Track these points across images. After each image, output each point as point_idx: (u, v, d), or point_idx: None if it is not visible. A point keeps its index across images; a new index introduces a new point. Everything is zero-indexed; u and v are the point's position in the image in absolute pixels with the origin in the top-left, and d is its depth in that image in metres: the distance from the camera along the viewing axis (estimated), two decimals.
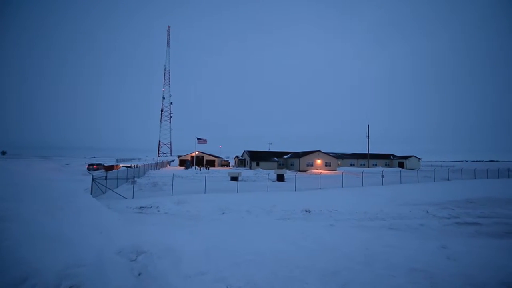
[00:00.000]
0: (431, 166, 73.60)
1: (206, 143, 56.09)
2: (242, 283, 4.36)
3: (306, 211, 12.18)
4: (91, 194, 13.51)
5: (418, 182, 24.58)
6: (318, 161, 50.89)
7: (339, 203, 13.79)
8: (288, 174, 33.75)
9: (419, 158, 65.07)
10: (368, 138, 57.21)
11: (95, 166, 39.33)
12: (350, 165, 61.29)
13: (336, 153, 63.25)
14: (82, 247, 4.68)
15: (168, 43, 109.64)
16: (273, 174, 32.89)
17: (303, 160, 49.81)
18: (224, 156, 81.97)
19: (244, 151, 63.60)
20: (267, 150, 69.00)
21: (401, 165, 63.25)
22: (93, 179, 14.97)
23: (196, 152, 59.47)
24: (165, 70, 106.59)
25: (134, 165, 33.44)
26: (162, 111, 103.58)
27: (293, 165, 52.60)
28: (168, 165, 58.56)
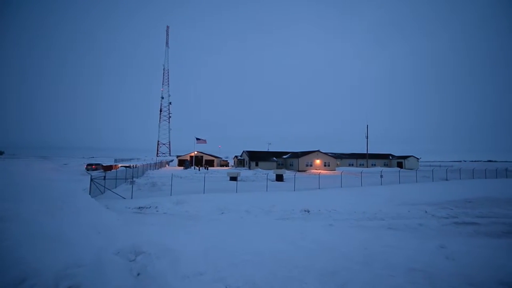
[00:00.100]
0: (430, 166, 73.90)
1: (205, 143, 55.96)
2: (240, 283, 4.36)
3: (305, 211, 12.20)
4: (89, 194, 13.48)
5: (416, 182, 24.66)
6: (317, 161, 51.00)
7: (338, 203, 13.81)
8: (287, 174, 33.82)
9: (418, 158, 65.34)
10: (367, 138, 57.30)
11: (93, 166, 39.22)
12: (349, 165, 61.49)
13: (335, 153, 63.38)
14: (81, 247, 4.67)
15: (167, 43, 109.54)
16: (272, 174, 32.92)
17: (302, 160, 49.88)
18: (223, 156, 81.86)
19: (243, 151, 63.59)
20: (266, 150, 68.89)
21: (399, 165, 63.51)
22: (91, 179, 14.94)
23: (195, 152, 59.43)
24: (164, 70, 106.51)
25: (133, 165, 33.35)
26: (161, 111, 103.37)
27: (292, 165, 52.65)
28: (167, 165, 58.43)
